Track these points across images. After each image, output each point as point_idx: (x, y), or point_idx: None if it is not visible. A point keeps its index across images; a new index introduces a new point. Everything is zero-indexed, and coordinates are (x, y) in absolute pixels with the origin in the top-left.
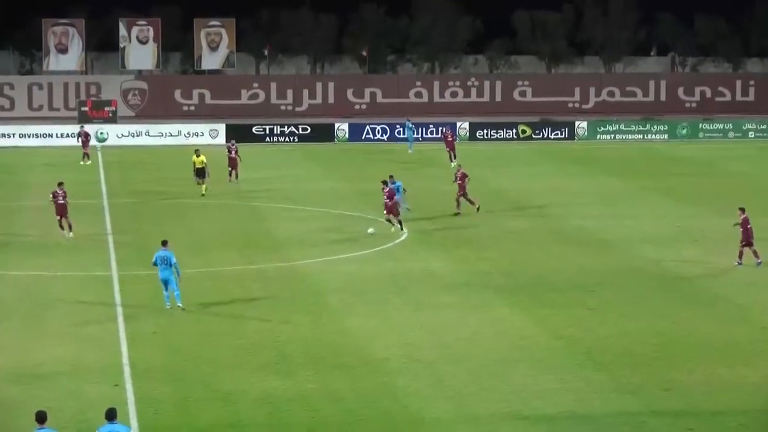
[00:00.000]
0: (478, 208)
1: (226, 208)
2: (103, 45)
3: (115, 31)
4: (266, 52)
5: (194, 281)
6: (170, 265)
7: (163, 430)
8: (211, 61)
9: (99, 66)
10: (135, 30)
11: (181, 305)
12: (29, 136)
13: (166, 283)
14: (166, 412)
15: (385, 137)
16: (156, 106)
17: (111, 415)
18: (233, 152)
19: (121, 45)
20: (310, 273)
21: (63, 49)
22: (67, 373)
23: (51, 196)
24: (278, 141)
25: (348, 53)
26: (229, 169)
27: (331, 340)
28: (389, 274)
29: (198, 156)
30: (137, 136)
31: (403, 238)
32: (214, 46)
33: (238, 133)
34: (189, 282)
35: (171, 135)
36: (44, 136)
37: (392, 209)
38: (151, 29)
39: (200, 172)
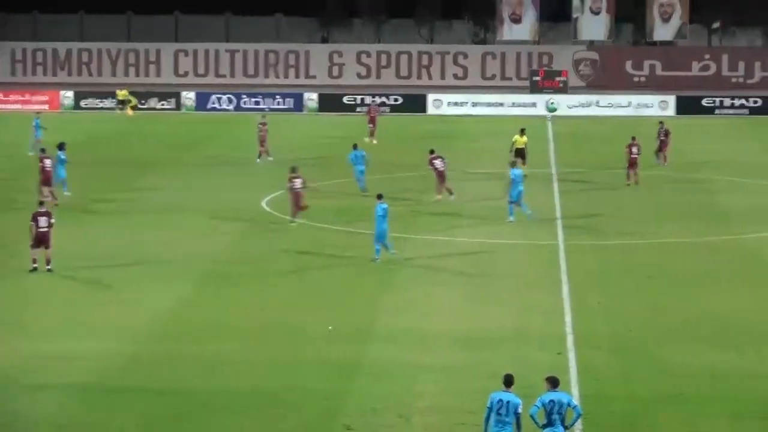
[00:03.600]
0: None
1: (669, 181)
2: (555, 15)
3: (567, 2)
4: (717, 26)
5: (640, 251)
6: (385, 217)
7: (604, 399)
8: (663, 32)
9: (551, 36)
10: (588, 1)
11: (395, 252)
12: (480, 105)
13: (381, 236)
14: (607, 382)
15: None
16: (606, 77)
17: (554, 383)
18: (662, 134)
19: (574, 15)
20: (758, 247)
21: (516, 19)
22: (511, 339)
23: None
24: (727, 114)
25: None
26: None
27: None
28: None
29: (522, 136)
30: (587, 106)
31: None
32: (666, 18)
33: (687, 105)
34: (632, 253)
35: (621, 106)
36: (495, 105)
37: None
38: (604, 0)
39: (520, 152)
